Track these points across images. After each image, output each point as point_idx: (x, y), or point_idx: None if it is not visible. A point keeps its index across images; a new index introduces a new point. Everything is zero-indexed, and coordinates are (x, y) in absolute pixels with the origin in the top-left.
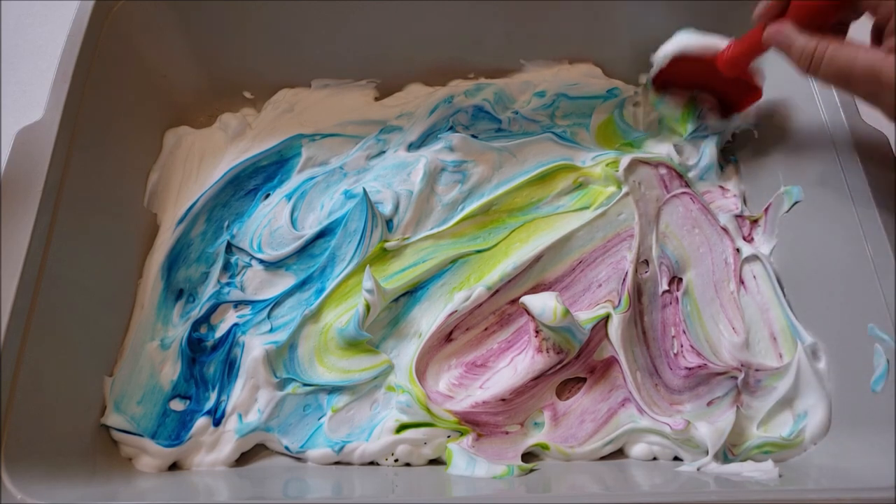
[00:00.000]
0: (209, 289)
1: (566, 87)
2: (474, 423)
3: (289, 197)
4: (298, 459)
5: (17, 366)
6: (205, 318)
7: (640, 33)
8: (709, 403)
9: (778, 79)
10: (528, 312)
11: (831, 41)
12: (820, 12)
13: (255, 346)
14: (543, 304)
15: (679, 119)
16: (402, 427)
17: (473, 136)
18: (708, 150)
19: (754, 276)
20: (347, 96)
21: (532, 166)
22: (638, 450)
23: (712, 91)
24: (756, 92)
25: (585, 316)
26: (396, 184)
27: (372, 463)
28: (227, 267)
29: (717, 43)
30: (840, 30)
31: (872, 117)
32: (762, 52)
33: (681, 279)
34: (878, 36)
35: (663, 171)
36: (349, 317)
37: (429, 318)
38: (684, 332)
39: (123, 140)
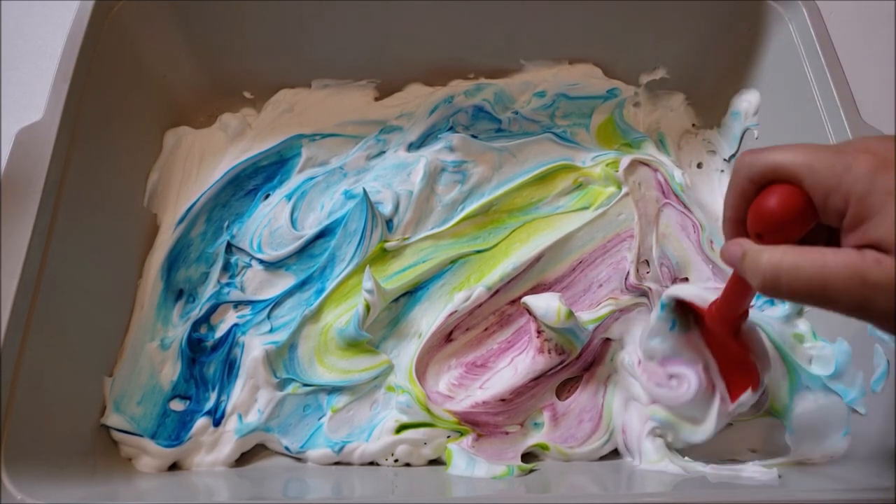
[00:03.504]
0: (209, 289)
1: (566, 87)
2: (474, 424)
3: (289, 197)
4: (298, 460)
5: (17, 366)
6: (205, 319)
7: (640, 33)
8: None
9: (778, 78)
10: (531, 313)
11: (790, 248)
12: (781, 227)
13: (254, 347)
14: (547, 305)
15: None
16: (402, 427)
17: (473, 136)
18: None
19: None
20: (347, 96)
21: (532, 166)
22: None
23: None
24: (750, 375)
25: (588, 316)
26: (396, 184)
27: (372, 463)
28: (226, 267)
29: (708, 296)
30: None
31: (872, 117)
32: (741, 293)
33: (686, 278)
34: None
35: (661, 175)
36: (349, 317)
37: (429, 318)
38: None
39: (123, 140)
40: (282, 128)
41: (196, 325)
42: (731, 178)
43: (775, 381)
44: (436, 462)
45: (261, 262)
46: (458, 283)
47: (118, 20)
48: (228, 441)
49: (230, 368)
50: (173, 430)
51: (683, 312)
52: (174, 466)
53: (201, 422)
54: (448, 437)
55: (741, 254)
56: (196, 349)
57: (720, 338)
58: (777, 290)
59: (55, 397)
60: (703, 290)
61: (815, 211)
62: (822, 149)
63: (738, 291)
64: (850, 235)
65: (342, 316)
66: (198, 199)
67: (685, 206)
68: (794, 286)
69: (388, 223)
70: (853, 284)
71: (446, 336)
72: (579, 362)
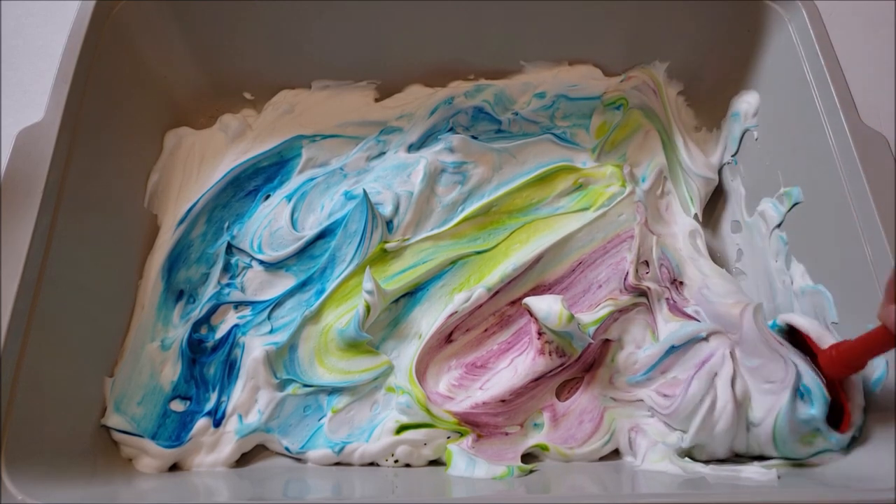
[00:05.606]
0: (209, 290)
1: (566, 88)
2: (474, 424)
3: (289, 198)
4: (298, 460)
5: (18, 366)
6: (205, 319)
7: (640, 34)
8: None
9: (777, 79)
10: (532, 314)
11: None
12: None
13: (255, 347)
14: (549, 307)
15: None
16: (402, 428)
17: (473, 137)
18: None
19: None
20: (347, 97)
21: (532, 167)
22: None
23: None
24: (844, 422)
25: (588, 318)
26: (396, 185)
27: (372, 464)
28: (227, 268)
29: (825, 335)
30: None
31: (872, 118)
32: (876, 349)
33: (682, 282)
34: None
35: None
36: (349, 318)
37: (429, 319)
38: None
39: (123, 141)
40: (282, 129)
41: (196, 326)
42: None
43: None
44: (436, 463)
45: (261, 262)
46: (458, 284)
47: (118, 20)
48: (229, 441)
49: (230, 369)
50: (174, 430)
51: (791, 339)
52: (174, 467)
53: (201, 422)
54: (448, 437)
55: None
56: (196, 350)
57: (826, 377)
58: None
59: (55, 397)
60: (821, 327)
61: None
62: None
63: (874, 348)
64: None
65: (342, 317)
66: (198, 200)
67: None
68: None
69: (389, 224)
70: None
71: (446, 337)
72: (579, 363)
